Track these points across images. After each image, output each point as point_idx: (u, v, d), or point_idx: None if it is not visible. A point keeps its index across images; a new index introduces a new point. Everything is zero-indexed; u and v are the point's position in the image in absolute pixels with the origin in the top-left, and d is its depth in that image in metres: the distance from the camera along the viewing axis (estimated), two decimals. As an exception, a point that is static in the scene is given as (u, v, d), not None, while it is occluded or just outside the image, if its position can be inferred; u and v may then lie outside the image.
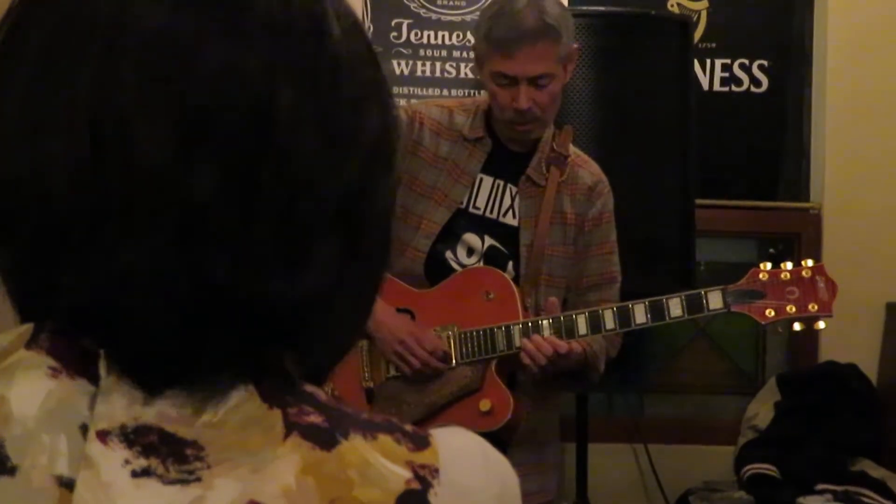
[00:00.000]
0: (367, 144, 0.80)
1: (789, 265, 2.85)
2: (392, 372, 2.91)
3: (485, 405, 2.83)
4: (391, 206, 0.85)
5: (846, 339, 3.98)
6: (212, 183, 0.73)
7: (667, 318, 2.81)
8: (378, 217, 0.83)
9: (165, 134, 0.72)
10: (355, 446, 0.76)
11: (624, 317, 2.82)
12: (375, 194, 0.82)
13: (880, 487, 3.56)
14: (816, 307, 2.81)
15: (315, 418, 0.77)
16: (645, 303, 2.82)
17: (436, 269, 2.91)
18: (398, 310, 2.91)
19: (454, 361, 2.87)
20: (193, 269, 0.73)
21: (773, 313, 2.81)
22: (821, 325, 2.85)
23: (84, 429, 0.73)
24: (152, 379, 0.75)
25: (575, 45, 2.89)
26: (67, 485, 0.71)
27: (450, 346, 2.88)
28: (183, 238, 0.73)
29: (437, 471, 0.78)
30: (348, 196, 0.78)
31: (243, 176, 0.74)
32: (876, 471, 3.68)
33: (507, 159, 2.94)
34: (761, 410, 3.98)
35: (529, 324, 2.82)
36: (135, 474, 0.72)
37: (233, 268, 0.74)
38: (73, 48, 0.74)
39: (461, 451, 0.81)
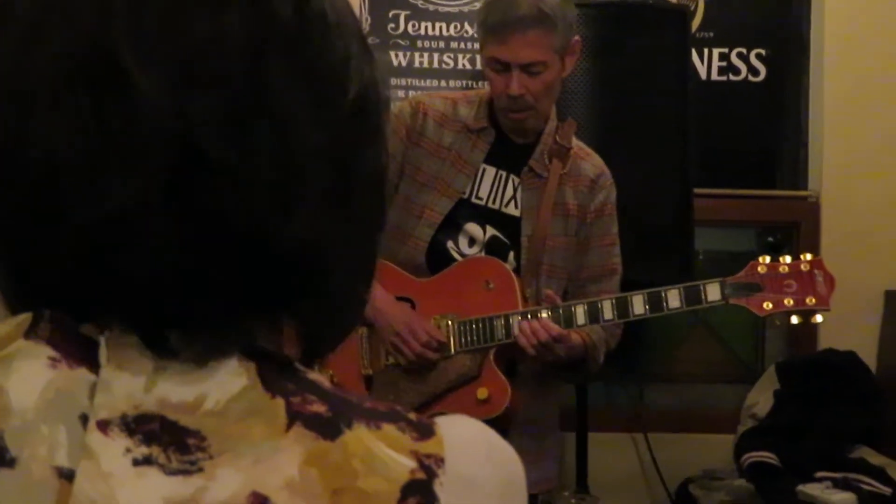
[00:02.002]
0: (354, 97, 0.81)
1: (788, 258, 2.86)
2: (391, 360, 2.92)
3: (482, 393, 2.85)
4: (383, 171, 0.86)
5: (845, 327, 3.97)
6: (207, 122, 0.73)
7: (665, 309, 2.82)
8: (368, 176, 0.83)
9: (160, 80, 0.73)
10: (359, 436, 0.76)
11: (622, 308, 2.82)
12: (365, 149, 0.83)
13: (879, 474, 3.56)
14: (814, 301, 2.82)
15: (318, 407, 0.77)
16: (643, 294, 2.82)
17: (437, 259, 2.92)
18: (399, 298, 2.92)
19: (453, 350, 2.88)
20: (192, 210, 0.73)
21: (770, 306, 2.82)
22: (818, 318, 2.86)
23: (84, 419, 0.73)
24: (157, 340, 0.75)
25: (576, 38, 2.88)
26: (67, 476, 0.71)
27: (449, 335, 2.89)
28: (182, 177, 0.73)
29: (442, 460, 0.77)
30: (337, 145, 0.79)
31: (236, 118, 0.74)
32: (875, 458, 3.68)
33: (510, 150, 2.95)
34: (761, 399, 3.98)
35: (528, 314, 2.82)
36: (136, 462, 0.72)
37: (230, 207, 0.74)
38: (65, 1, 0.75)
39: (466, 440, 0.81)
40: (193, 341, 0.75)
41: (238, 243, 0.75)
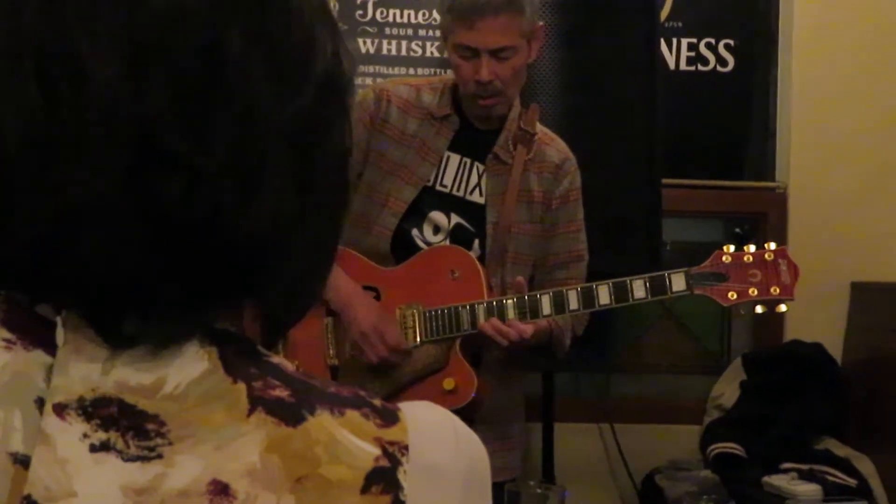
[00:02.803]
0: (319, 77, 0.79)
1: (752, 248, 2.86)
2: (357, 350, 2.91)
3: (449, 384, 2.84)
4: (347, 149, 0.84)
5: (811, 319, 3.99)
6: (163, 109, 0.71)
7: (630, 299, 2.82)
8: (333, 156, 0.82)
9: (115, 62, 0.71)
10: (322, 422, 0.75)
11: (588, 297, 2.82)
12: (329, 131, 0.81)
13: (844, 466, 3.57)
14: (778, 290, 2.82)
15: (280, 392, 0.75)
16: (609, 284, 2.82)
17: (402, 247, 2.91)
18: (363, 288, 2.90)
19: (419, 340, 2.87)
20: (148, 200, 0.71)
21: (735, 296, 2.82)
22: (783, 308, 2.87)
23: (40, 402, 0.71)
24: (112, 329, 0.73)
25: (540, 23, 2.88)
26: (22, 462, 0.70)
27: (414, 325, 2.88)
28: (137, 166, 0.71)
29: (406, 448, 0.76)
30: (300, 128, 0.77)
31: (194, 102, 0.72)
32: (840, 449, 3.70)
33: (475, 137, 2.94)
34: (727, 390, 3.99)
35: (494, 303, 2.81)
36: (93, 448, 0.70)
37: (187, 195, 0.72)
38: None
39: (431, 427, 0.80)
40: (150, 329, 0.73)
41: (197, 233, 0.73)
